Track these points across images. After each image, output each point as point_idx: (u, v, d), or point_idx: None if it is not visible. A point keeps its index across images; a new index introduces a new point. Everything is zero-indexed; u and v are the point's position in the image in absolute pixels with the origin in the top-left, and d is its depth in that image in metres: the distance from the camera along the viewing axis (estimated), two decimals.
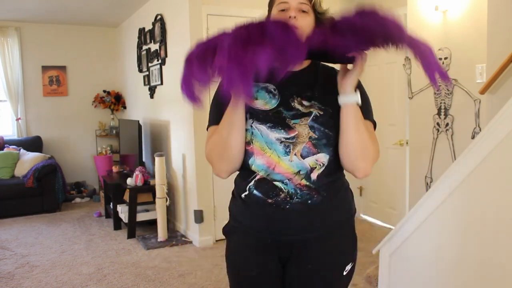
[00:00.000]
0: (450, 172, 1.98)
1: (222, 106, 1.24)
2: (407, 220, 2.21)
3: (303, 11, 1.24)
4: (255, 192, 1.27)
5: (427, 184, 3.51)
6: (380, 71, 4.19)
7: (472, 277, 1.93)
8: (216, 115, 1.29)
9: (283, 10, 1.25)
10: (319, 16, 1.27)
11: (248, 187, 1.29)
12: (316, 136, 1.23)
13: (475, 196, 1.92)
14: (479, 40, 2.98)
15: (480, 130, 3.06)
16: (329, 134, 1.24)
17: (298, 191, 1.24)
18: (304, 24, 1.23)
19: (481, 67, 3.00)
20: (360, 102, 1.21)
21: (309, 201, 1.25)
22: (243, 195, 1.31)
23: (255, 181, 1.27)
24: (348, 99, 1.19)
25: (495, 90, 2.71)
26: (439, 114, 3.37)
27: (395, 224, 2.92)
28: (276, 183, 1.24)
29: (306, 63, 1.31)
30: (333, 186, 1.29)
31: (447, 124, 3.32)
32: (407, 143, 3.92)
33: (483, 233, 1.89)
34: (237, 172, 1.35)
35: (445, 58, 3.28)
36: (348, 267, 1.34)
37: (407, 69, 3.71)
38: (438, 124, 3.39)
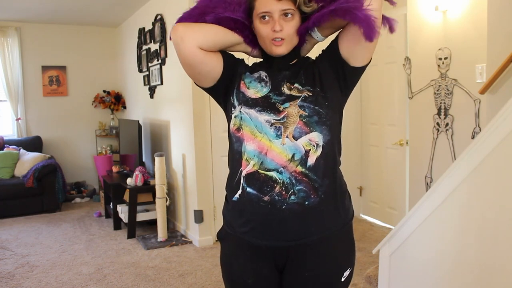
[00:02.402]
0: (450, 172, 1.98)
1: (228, 55, 1.32)
2: (407, 220, 2.21)
3: (287, 16, 1.22)
4: (248, 189, 1.23)
5: (427, 184, 3.51)
6: (380, 71, 4.19)
7: (473, 277, 1.93)
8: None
9: (264, 18, 1.23)
10: (305, 13, 1.25)
11: (240, 185, 1.25)
12: (307, 114, 1.22)
13: (475, 196, 1.92)
14: (479, 40, 2.98)
15: (480, 130, 3.06)
16: (319, 111, 1.22)
17: (294, 181, 1.20)
18: (290, 29, 1.24)
19: (481, 67, 3.00)
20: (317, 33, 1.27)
21: (306, 202, 1.21)
22: (235, 197, 1.28)
23: (246, 175, 1.24)
24: (315, 34, 1.27)
25: (495, 90, 2.71)
26: (439, 114, 3.37)
27: (395, 224, 2.93)
28: (270, 173, 1.21)
29: (295, 59, 1.33)
30: (331, 187, 1.26)
31: (447, 124, 3.32)
32: (407, 143, 3.92)
33: (483, 233, 1.89)
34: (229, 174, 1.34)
35: (445, 58, 3.28)
36: (346, 273, 1.32)
37: (407, 69, 3.71)
38: (438, 124, 3.39)
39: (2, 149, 5.49)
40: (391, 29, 1.22)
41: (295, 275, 1.29)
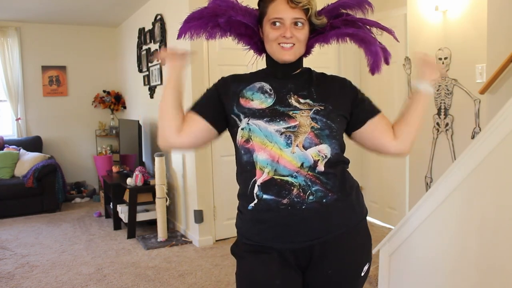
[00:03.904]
0: (450, 172, 1.98)
1: (211, 99, 1.33)
2: (407, 220, 2.22)
3: (298, 25, 1.26)
4: (265, 197, 1.23)
5: (427, 184, 3.51)
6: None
7: (472, 277, 1.93)
8: (199, 103, 1.35)
9: (276, 24, 1.25)
10: (314, 25, 1.30)
11: (254, 195, 1.25)
12: (319, 126, 1.23)
13: (475, 196, 1.92)
14: (479, 40, 2.98)
15: (480, 130, 3.06)
16: (331, 125, 1.25)
17: (310, 183, 1.22)
18: (300, 37, 1.27)
19: (481, 67, 3.00)
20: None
21: (324, 200, 1.23)
22: (251, 206, 1.27)
23: (261, 184, 1.24)
24: (429, 88, 1.34)
25: (495, 90, 2.71)
26: (439, 114, 3.37)
27: (395, 224, 2.92)
28: (286, 178, 1.22)
29: (299, 69, 1.35)
30: (344, 186, 1.29)
31: (447, 124, 3.32)
32: None
33: (483, 233, 1.89)
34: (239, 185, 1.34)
35: (445, 58, 3.28)
36: (366, 268, 1.34)
37: (407, 69, 3.71)
38: (438, 124, 3.39)
39: (2, 149, 5.49)
40: (386, 61, 1.36)
41: (318, 273, 1.30)
